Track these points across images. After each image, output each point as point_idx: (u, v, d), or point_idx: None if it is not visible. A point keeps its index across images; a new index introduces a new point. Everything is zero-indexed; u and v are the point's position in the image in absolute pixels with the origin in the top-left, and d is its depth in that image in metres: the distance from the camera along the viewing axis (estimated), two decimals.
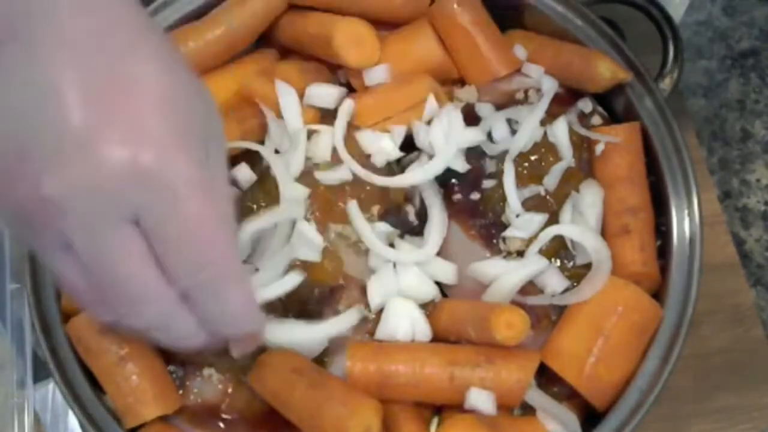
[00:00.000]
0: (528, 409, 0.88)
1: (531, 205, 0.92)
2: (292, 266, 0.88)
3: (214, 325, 0.67)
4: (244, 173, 0.94)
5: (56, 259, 0.62)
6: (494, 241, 0.92)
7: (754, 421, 1.02)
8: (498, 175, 0.93)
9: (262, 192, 0.94)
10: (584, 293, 0.88)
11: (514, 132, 0.94)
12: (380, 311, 0.90)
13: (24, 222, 0.60)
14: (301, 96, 0.96)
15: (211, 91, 0.94)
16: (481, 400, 0.84)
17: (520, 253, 0.91)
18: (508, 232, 0.91)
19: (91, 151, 0.57)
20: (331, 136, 0.93)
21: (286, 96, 0.95)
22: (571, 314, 0.89)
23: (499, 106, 0.96)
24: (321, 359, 0.89)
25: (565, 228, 0.90)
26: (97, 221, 0.58)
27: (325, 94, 0.96)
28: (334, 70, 1.00)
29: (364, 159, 0.93)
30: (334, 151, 0.93)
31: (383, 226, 0.92)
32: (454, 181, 0.94)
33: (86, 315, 0.87)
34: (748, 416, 1.02)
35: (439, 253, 0.93)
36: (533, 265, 0.89)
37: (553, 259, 0.91)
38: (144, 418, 0.86)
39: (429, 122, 0.94)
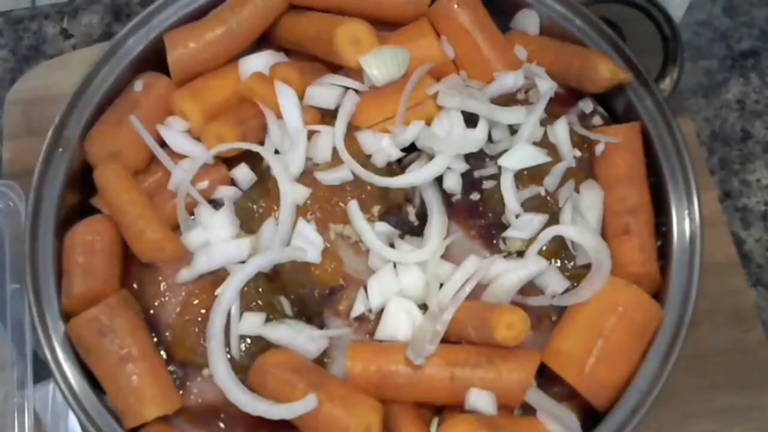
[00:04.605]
0: (528, 409, 0.88)
1: (531, 205, 0.92)
2: None
3: None
4: (244, 173, 0.94)
5: None
6: (494, 241, 0.92)
7: (754, 421, 1.02)
8: (498, 175, 0.93)
9: (262, 192, 0.94)
10: (584, 294, 0.88)
11: (514, 132, 0.94)
12: (380, 311, 0.90)
13: None
14: (301, 96, 0.96)
15: (211, 91, 0.96)
16: (481, 400, 0.84)
17: (520, 254, 0.91)
18: (508, 233, 0.91)
19: None
20: (331, 137, 0.93)
21: (286, 96, 0.95)
22: (571, 315, 0.89)
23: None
24: (321, 359, 0.89)
25: (565, 228, 0.90)
26: None
27: (325, 94, 0.96)
28: (334, 70, 1.00)
29: (365, 159, 0.93)
30: (335, 151, 0.93)
31: (383, 226, 0.92)
32: None
33: (86, 315, 0.87)
34: (748, 416, 1.02)
35: None
36: (533, 265, 0.89)
37: (553, 260, 0.91)
38: (144, 419, 0.86)
39: (429, 122, 0.94)
